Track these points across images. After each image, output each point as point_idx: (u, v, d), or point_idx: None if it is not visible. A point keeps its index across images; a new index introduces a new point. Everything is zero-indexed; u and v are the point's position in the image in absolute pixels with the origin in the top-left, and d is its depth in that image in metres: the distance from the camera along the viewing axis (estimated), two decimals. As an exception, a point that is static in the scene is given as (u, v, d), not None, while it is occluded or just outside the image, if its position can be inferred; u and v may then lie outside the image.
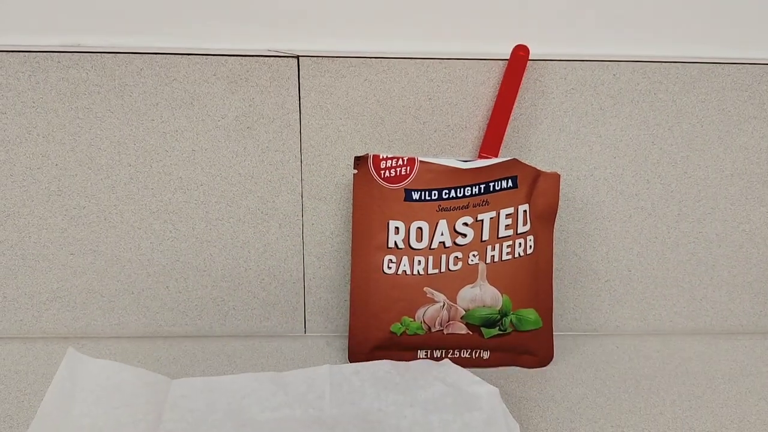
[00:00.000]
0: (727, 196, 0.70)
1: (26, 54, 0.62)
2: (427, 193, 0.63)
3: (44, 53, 0.62)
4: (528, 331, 0.65)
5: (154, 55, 0.63)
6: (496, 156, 0.65)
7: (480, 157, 0.65)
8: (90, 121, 0.65)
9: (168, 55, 0.63)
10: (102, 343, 0.69)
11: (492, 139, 0.65)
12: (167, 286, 0.70)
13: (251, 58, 0.64)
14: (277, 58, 0.64)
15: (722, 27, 0.66)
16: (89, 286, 0.69)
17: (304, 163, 0.67)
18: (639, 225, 0.70)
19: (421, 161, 0.63)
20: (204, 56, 0.63)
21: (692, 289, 0.73)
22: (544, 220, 0.65)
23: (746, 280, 0.73)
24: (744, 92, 0.67)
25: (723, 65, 0.66)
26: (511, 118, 0.65)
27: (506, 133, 0.65)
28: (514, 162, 0.63)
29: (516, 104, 0.65)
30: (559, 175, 0.64)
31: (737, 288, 0.73)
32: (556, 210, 0.65)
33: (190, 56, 0.63)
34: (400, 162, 0.63)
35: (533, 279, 0.65)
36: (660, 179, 0.69)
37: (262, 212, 0.68)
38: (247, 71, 0.64)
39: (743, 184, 0.70)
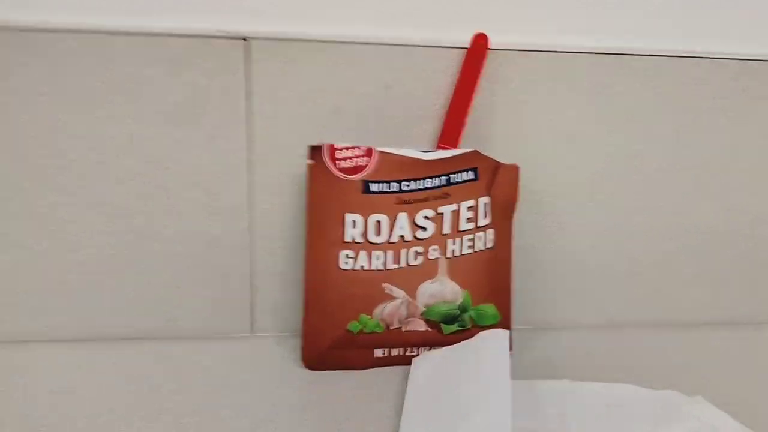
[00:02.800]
0: (679, 188, 0.71)
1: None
2: (386, 184, 0.60)
3: (-38, 28, 0.56)
4: (487, 325, 0.64)
5: (89, 34, 0.58)
6: (456, 147, 0.63)
7: (439, 148, 0.63)
8: (17, 105, 0.59)
9: (104, 35, 0.59)
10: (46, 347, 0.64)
11: (451, 130, 0.63)
12: (102, 286, 0.65)
13: (195, 38, 0.60)
14: (223, 39, 0.60)
15: (674, 18, 0.67)
16: (23, 285, 0.63)
17: (254, 153, 0.63)
18: (596, 217, 0.70)
19: (379, 152, 0.60)
20: (144, 36, 0.59)
21: (648, 280, 0.73)
22: (504, 213, 0.64)
23: (698, 271, 0.74)
24: (700, 86, 0.68)
25: (678, 58, 0.67)
26: (471, 108, 0.63)
27: (466, 123, 0.64)
28: (475, 153, 0.61)
29: (476, 94, 0.64)
30: (518, 167, 0.63)
31: (689, 279, 0.74)
32: (516, 202, 0.64)
33: (128, 36, 0.59)
34: (358, 152, 0.60)
35: (493, 273, 0.64)
36: (616, 171, 0.69)
37: (206, 205, 0.64)
38: (191, 53, 0.60)
39: (694, 176, 0.71)
